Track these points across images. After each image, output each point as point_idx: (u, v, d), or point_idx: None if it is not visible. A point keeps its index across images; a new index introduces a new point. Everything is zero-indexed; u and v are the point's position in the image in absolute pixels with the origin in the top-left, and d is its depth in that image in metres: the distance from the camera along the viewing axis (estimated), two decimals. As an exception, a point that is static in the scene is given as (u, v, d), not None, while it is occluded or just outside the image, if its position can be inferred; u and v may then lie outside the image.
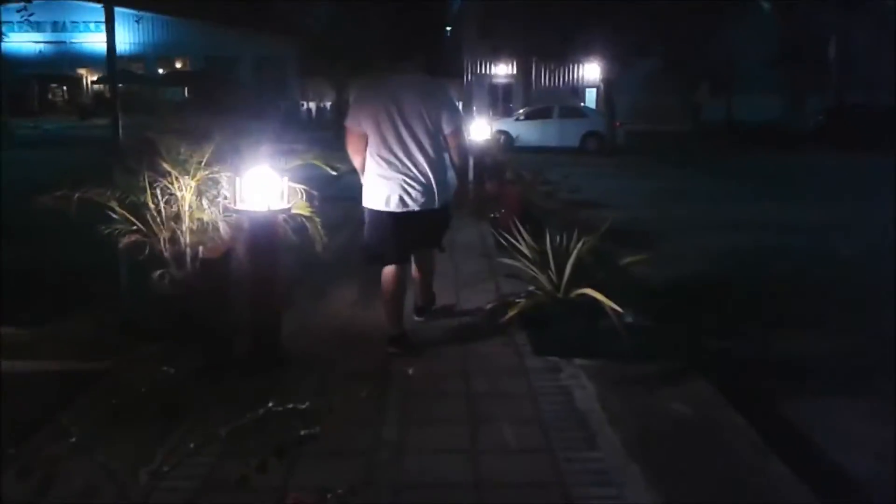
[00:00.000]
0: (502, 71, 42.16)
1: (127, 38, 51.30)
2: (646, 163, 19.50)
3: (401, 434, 3.29)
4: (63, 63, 49.29)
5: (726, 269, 7.11)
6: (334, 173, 4.54)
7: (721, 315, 5.52)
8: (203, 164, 4.32)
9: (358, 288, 5.70)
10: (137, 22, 46.73)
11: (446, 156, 4.46)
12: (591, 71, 43.36)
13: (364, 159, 4.36)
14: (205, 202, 4.37)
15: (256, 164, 3.95)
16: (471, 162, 8.66)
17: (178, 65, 52.89)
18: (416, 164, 4.24)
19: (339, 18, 28.90)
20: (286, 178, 4.03)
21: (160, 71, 51.71)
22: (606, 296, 4.08)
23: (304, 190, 4.48)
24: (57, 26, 49.59)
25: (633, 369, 3.99)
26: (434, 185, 4.29)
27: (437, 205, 4.33)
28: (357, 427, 3.31)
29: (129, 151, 4.65)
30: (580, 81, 43.94)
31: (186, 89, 49.45)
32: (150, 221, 4.33)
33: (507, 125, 22.76)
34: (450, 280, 5.87)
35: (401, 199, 4.25)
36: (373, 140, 4.29)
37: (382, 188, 4.28)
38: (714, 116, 37.63)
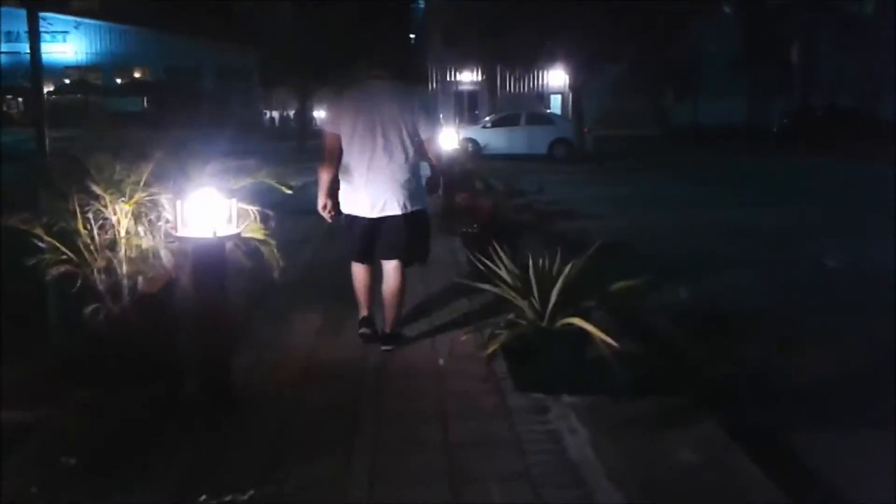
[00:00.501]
0: (467, 78, 41.92)
1: (84, 48, 50.33)
2: (616, 169, 19.32)
3: (371, 495, 2.84)
4: (18, 74, 48.03)
5: (718, 284, 6.73)
6: (289, 192, 4.08)
7: (721, 338, 5.14)
8: (141, 184, 3.83)
9: (321, 314, 5.24)
10: (76, 28, 45.75)
11: (419, 162, 4.47)
12: (556, 77, 43.31)
13: (335, 163, 4.40)
14: (143, 227, 3.87)
15: (201, 185, 3.48)
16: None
17: (137, 74, 51.88)
18: (388, 170, 4.29)
19: (301, 27, 28.30)
20: (235, 199, 3.57)
21: (118, 81, 50.67)
22: (595, 324, 3.67)
23: (258, 211, 4.01)
24: (11, 36, 48.27)
25: (628, 408, 3.55)
26: (406, 191, 4.33)
27: (409, 209, 4.35)
28: (319, 486, 2.87)
29: (56, 170, 4.14)
30: (545, 87, 43.85)
31: (145, 99, 48.56)
32: (83, 249, 3.82)
33: (474, 133, 22.27)
34: (421, 305, 5.41)
35: (371, 204, 4.31)
36: (347, 145, 4.35)
37: (354, 193, 4.36)
38: (680, 120, 37.70)
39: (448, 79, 42.53)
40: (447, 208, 7.66)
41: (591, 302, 3.88)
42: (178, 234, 3.51)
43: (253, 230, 3.98)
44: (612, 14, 20.30)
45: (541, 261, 3.98)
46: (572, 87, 23.81)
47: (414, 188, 4.40)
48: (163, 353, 3.83)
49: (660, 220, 10.39)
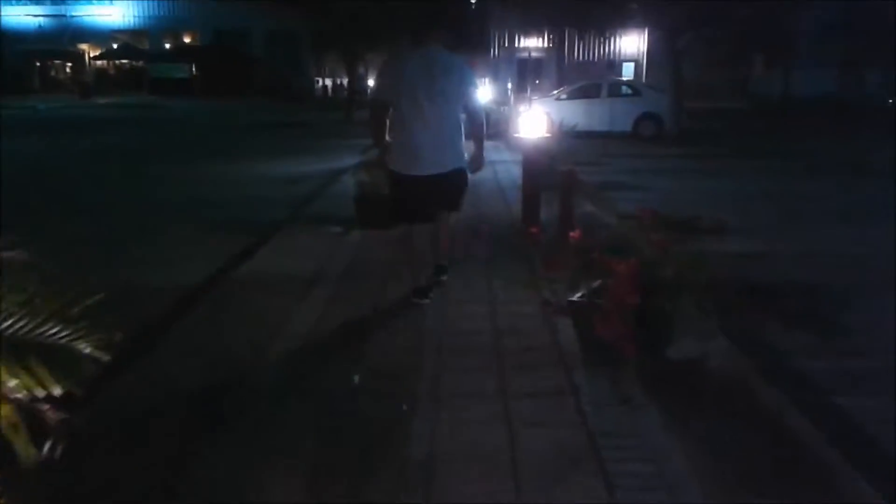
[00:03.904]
0: (532, 44, 38.64)
1: (132, 11, 48.35)
2: (719, 154, 16.01)
3: None
4: (64, 38, 46.42)
5: None
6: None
7: None
8: None
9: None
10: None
11: (461, 127, 4.71)
12: (629, 44, 40.04)
13: (384, 127, 4.78)
14: None
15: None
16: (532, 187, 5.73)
17: (187, 39, 49.82)
18: (432, 134, 4.58)
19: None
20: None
21: (166, 46, 48.68)
22: None
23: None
24: (57, -1, 46.64)
25: None
26: (447, 153, 4.65)
27: (448, 169, 4.65)
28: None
29: None
30: (617, 55, 40.45)
31: (193, 66, 46.49)
32: None
33: (546, 106, 19.11)
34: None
35: (417, 164, 4.61)
36: (395, 110, 4.66)
37: (401, 154, 4.68)
38: (767, 91, 34.12)
39: (511, 45, 39.38)
40: (553, 257, 5.04)
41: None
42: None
43: None
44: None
45: None
46: (675, 51, 20.11)
47: (456, 149, 4.69)
48: None
49: (836, 239, 7.39)
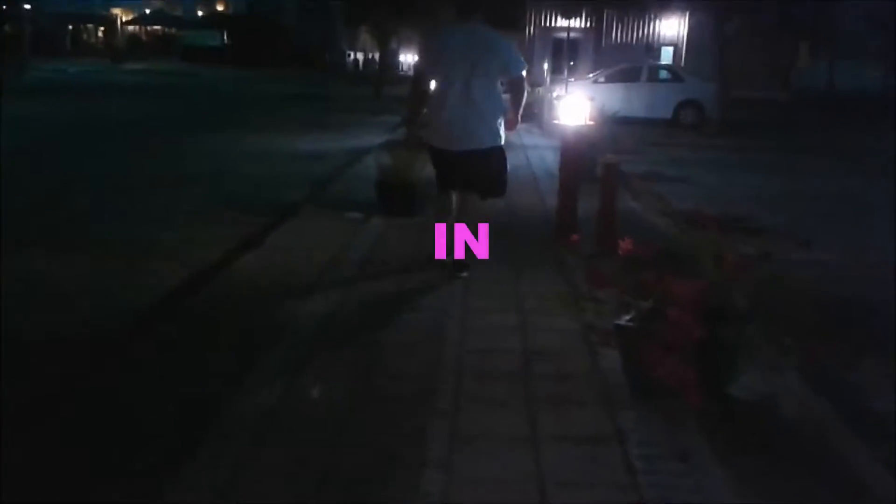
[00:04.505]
0: (569, 24, 37.59)
1: (165, -23, 47.96)
2: (767, 147, 15.13)
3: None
4: (96, 2, 46.14)
5: None
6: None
7: None
8: None
9: None
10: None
11: (501, 105, 4.73)
12: (668, 27, 38.83)
13: (422, 99, 4.95)
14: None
15: None
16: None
17: (220, 7, 49.35)
18: (471, 110, 4.57)
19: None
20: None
21: (199, 13, 48.27)
22: None
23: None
24: (90, -39, 46.27)
25: None
26: (485, 130, 4.63)
27: (485, 146, 4.64)
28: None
29: None
30: (657, 38, 39.27)
31: (226, 34, 46.04)
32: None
33: (583, 89, 18.29)
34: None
35: (454, 139, 4.65)
36: (436, 84, 4.78)
37: (439, 128, 4.73)
38: (809, 82, 32.90)
39: (547, 24, 38.33)
40: (591, 259, 4.43)
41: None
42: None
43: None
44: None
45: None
46: (722, 36, 19.03)
47: (494, 126, 4.67)
48: None
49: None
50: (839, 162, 13.34)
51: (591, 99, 7.23)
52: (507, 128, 4.82)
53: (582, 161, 6.07)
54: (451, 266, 4.76)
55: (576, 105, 6.17)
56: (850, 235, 6.77)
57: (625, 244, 3.19)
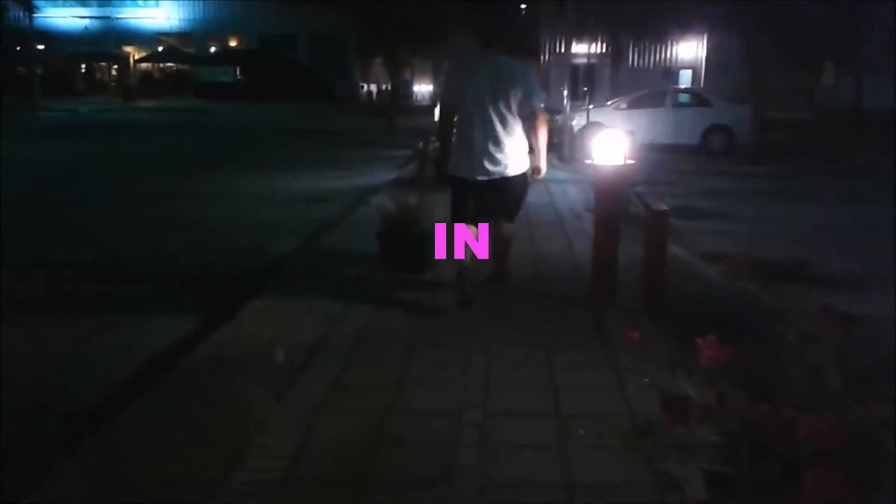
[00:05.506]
0: (584, 50, 36.81)
1: (177, 14, 47.79)
2: (808, 173, 13.89)
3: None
4: (109, 40, 46.00)
5: None
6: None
7: None
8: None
9: None
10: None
11: (523, 134, 4.73)
12: (686, 50, 38.01)
13: (449, 130, 4.91)
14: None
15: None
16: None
17: (232, 43, 49.09)
18: (494, 139, 4.60)
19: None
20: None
21: (211, 49, 48.00)
22: None
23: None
24: (103, 1, 46.13)
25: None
26: (508, 159, 4.66)
27: (508, 175, 4.67)
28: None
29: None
30: (674, 62, 38.45)
31: (238, 70, 45.70)
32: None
33: (601, 115, 17.34)
34: None
35: (477, 168, 4.65)
36: (459, 114, 4.75)
37: (462, 158, 4.75)
38: (835, 101, 31.78)
39: (563, 50, 37.60)
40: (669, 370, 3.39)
41: None
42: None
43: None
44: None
45: None
46: (754, 58, 17.97)
47: (517, 156, 4.71)
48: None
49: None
50: (885, 185, 12.20)
51: (632, 133, 6.27)
52: (534, 174, 4.83)
53: (619, 209, 5.08)
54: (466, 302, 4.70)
55: (611, 140, 5.15)
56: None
57: (707, 348, 2.14)
